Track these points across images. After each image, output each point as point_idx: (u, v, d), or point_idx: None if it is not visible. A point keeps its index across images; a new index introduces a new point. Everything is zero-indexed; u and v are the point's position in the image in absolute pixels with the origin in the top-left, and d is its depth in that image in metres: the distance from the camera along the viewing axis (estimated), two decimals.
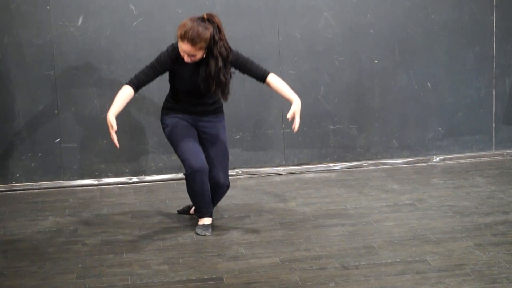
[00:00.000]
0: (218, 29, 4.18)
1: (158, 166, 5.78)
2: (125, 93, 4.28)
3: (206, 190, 4.43)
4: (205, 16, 4.18)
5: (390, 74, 5.97)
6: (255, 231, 4.48)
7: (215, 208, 4.83)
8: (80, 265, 3.99)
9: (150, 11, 5.59)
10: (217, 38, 4.16)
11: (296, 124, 4.29)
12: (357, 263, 3.87)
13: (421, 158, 6.10)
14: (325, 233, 4.39)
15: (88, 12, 5.53)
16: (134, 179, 5.76)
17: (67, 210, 5.09)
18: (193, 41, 4.10)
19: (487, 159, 6.13)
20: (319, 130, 5.94)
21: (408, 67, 5.98)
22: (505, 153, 6.18)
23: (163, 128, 4.49)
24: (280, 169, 5.93)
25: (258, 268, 3.86)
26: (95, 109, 5.63)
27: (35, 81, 5.55)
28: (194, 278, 3.76)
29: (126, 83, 4.31)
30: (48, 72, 5.55)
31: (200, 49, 4.15)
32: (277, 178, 5.80)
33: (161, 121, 4.51)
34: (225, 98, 4.34)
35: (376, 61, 5.92)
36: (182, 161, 4.38)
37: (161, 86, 5.37)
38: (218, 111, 4.51)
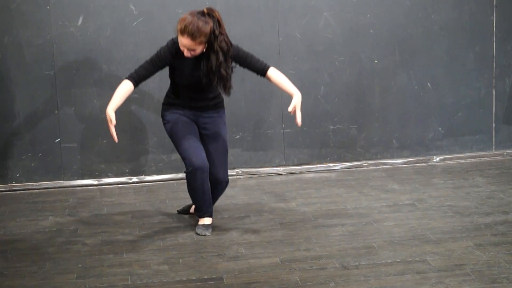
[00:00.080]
0: (218, 23, 4.17)
1: (158, 166, 5.78)
2: (125, 88, 4.28)
3: (206, 189, 4.42)
4: (205, 11, 4.17)
5: (390, 74, 5.97)
6: (255, 231, 4.48)
7: (215, 208, 4.83)
8: (80, 265, 3.99)
9: (150, 11, 5.59)
10: (217, 32, 4.15)
11: (298, 118, 4.27)
12: (357, 263, 3.87)
13: (421, 158, 6.10)
14: (325, 233, 4.39)
15: (88, 12, 5.53)
16: (134, 179, 5.76)
17: (67, 210, 5.09)
18: (193, 36, 4.09)
19: (487, 159, 6.13)
20: (319, 130, 5.94)
21: (408, 67, 5.98)
22: (505, 153, 6.18)
23: (164, 124, 4.48)
24: (280, 169, 5.93)
25: (258, 268, 3.86)
26: (95, 109, 5.63)
27: (35, 81, 5.55)
28: (194, 278, 3.76)
29: (126, 78, 4.30)
30: (48, 72, 5.55)
31: (200, 43, 4.14)
32: (277, 178, 5.80)
33: (162, 116, 4.50)
34: (228, 93, 4.34)
35: (376, 61, 5.92)
36: (183, 158, 4.38)
37: (161, 86, 5.38)
38: (218, 106, 4.50)
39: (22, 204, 5.28)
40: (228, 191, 5.36)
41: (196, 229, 4.48)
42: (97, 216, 4.92)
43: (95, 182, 5.71)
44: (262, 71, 4.38)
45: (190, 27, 4.08)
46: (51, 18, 5.49)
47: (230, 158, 5.38)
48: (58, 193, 5.54)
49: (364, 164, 6.01)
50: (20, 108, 5.57)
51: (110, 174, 5.74)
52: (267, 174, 5.89)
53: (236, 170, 5.85)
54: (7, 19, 5.45)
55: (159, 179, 5.77)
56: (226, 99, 4.58)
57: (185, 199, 4.98)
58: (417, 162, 6.08)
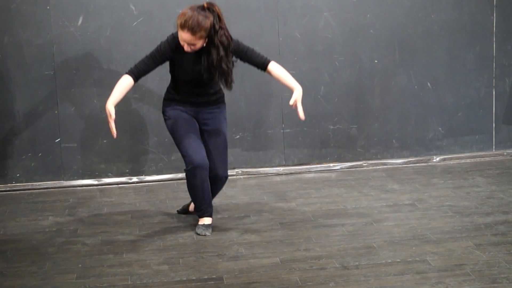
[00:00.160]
0: (219, 17, 4.17)
1: (158, 166, 5.77)
2: (125, 83, 4.27)
3: (206, 188, 4.42)
4: (205, 5, 4.16)
5: (390, 74, 5.97)
6: (255, 231, 4.48)
7: (215, 207, 4.84)
8: (80, 265, 3.99)
9: (150, 11, 5.59)
10: (217, 27, 4.14)
11: (300, 112, 4.27)
12: (357, 263, 3.87)
13: (421, 158, 6.10)
14: (325, 233, 4.39)
15: (88, 12, 5.53)
16: (134, 179, 5.76)
17: (67, 210, 5.09)
18: (193, 30, 4.09)
19: (487, 159, 6.13)
20: (319, 130, 5.94)
21: (408, 67, 5.98)
22: (505, 153, 6.18)
23: (165, 120, 4.47)
24: (280, 169, 5.93)
25: (258, 268, 3.86)
26: (95, 109, 5.63)
27: (35, 81, 5.55)
28: (194, 278, 3.76)
29: (126, 73, 4.29)
30: (48, 72, 5.55)
31: (200, 38, 4.14)
32: (277, 178, 5.80)
33: (163, 112, 4.49)
34: (229, 87, 4.34)
35: (376, 61, 5.92)
36: (183, 156, 4.38)
37: (161, 86, 5.38)
38: (219, 101, 4.50)
39: (22, 204, 5.28)
40: (228, 191, 5.37)
41: (196, 229, 4.48)
42: (97, 216, 4.92)
43: (95, 182, 5.71)
44: (262, 65, 4.38)
45: (190, 22, 4.07)
46: (51, 18, 5.49)
47: (230, 158, 5.38)
48: (58, 193, 5.54)
49: (364, 164, 6.01)
50: (20, 108, 5.57)
51: (110, 174, 5.74)
52: (267, 174, 5.89)
53: (236, 170, 5.85)
54: (7, 19, 5.45)
55: (159, 179, 5.77)
56: (226, 99, 4.58)
57: (185, 199, 4.98)
58: (417, 162, 6.08)
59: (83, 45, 5.55)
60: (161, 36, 5.43)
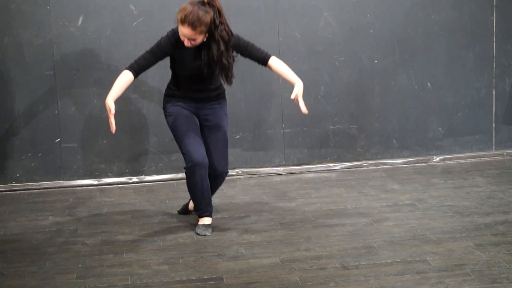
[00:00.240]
0: (219, 12, 4.16)
1: (158, 166, 5.77)
2: (125, 78, 4.27)
3: (205, 186, 4.42)
4: (205, 0, 4.16)
5: (390, 74, 5.97)
6: (255, 231, 4.48)
7: (214, 207, 4.84)
8: (80, 265, 3.99)
9: (150, 11, 5.59)
10: (217, 21, 4.14)
11: (302, 106, 4.27)
12: (357, 263, 3.87)
13: (421, 158, 6.10)
14: (325, 233, 4.39)
15: (88, 12, 5.53)
16: (134, 179, 5.76)
17: (67, 210, 5.09)
18: (193, 25, 4.08)
19: (487, 159, 6.13)
20: (319, 130, 5.94)
21: (408, 67, 5.98)
22: (505, 153, 6.18)
23: (166, 116, 4.46)
24: (280, 169, 5.93)
25: (258, 268, 3.86)
26: (95, 109, 5.63)
27: (35, 81, 5.55)
28: (194, 278, 3.76)
29: (126, 68, 4.29)
30: (48, 72, 5.55)
31: (201, 33, 4.13)
32: (277, 178, 5.80)
33: (164, 108, 4.48)
34: (230, 82, 4.33)
35: (376, 61, 5.92)
36: (183, 154, 4.38)
37: (161, 86, 5.38)
38: (220, 97, 4.49)
39: (22, 204, 5.28)
40: (228, 191, 5.37)
41: (196, 229, 4.48)
42: (97, 216, 4.92)
43: (95, 182, 5.71)
44: (263, 60, 4.38)
45: (190, 17, 4.07)
46: (51, 18, 5.49)
47: (230, 158, 5.38)
48: (58, 193, 5.54)
49: (364, 164, 6.01)
50: (20, 108, 5.57)
51: (110, 174, 5.74)
52: (267, 174, 5.89)
53: (236, 170, 5.85)
54: (7, 19, 5.45)
55: (159, 179, 5.77)
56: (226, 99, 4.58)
57: (185, 199, 4.98)
58: (417, 162, 6.08)
59: (83, 45, 5.55)
60: (161, 36, 5.44)
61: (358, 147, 6.02)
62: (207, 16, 4.09)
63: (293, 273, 3.77)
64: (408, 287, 3.55)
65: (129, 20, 5.57)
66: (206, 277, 3.77)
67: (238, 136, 5.83)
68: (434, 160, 6.10)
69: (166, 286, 3.68)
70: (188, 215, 4.83)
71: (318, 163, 5.99)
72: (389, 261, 3.90)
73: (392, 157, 6.07)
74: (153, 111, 5.66)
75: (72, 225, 4.73)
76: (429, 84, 6.02)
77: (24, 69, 5.52)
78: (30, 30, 5.48)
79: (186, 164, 4.36)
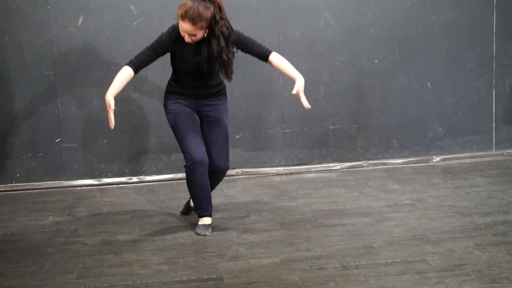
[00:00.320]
0: (219, 8, 4.15)
1: (158, 166, 5.77)
2: (125, 74, 4.26)
3: (205, 185, 4.42)
4: None
5: (390, 74, 5.97)
6: (255, 231, 4.48)
7: (214, 207, 4.84)
8: (80, 265, 3.99)
9: (150, 11, 5.59)
10: (218, 17, 4.13)
11: (304, 101, 4.27)
12: (357, 263, 3.87)
13: (421, 158, 6.10)
14: (325, 233, 4.39)
15: (88, 12, 5.53)
16: (134, 179, 5.76)
17: (67, 210, 5.09)
18: (193, 21, 4.08)
19: (487, 159, 6.13)
20: (319, 130, 5.94)
21: (408, 67, 5.98)
22: (505, 153, 6.18)
23: (166, 113, 4.46)
24: (280, 169, 5.93)
25: (258, 268, 3.86)
26: (95, 109, 5.63)
27: (35, 81, 5.55)
28: (194, 278, 3.76)
29: (126, 64, 4.28)
30: (48, 72, 5.55)
31: (201, 28, 4.13)
32: (277, 178, 5.80)
33: (164, 105, 4.47)
34: (230, 78, 4.33)
35: (376, 61, 5.92)
36: (183, 152, 4.38)
37: (161, 86, 5.38)
38: (221, 93, 4.49)
39: (22, 204, 5.28)
40: (228, 191, 5.37)
41: (196, 229, 4.48)
42: (97, 216, 4.92)
43: (95, 182, 5.71)
44: (264, 55, 4.37)
45: (190, 12, 4.06)
46: (51, 18, 5.49)
47: (230, 158, 5.37)
48: (58, 193, 5.54)
49: (364, 164, 6.01)
50: (20, 108, 5.57)
51: (110, 174, 5.74)
52: (267, 174, 5.89)
53: (236, 170, 5.85)
54: (7, 19, 5.45)
55: (159, 179, 5.77)
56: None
57: (185, 199, 4.98)
58: (417, 162, 6.08)
59: (83, 45, 5.55)
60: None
61: (358, 147, 6.02)
62: (208, 11, 4.09)
63: (293, 273, 3.77)
64: (408, 287, 3.55)
65: (129, 20, 5.57)
66: (206, 277, 3.77)
67: (238, 136, 5.83)
68: (434, 160, 6.10)
69: (166, 286, 3.68)
70: (189, 215, 4.83)
71: (318, 163, 5.99)
72: (389, 261, 3.90)
73: (392, 157, 6.07)
74: (153, 111, 5.66)
75: (72, 225, 4.73)
76: (429, 84, 6.02)
77: (24, 69, 5.52)
78: (30, 30, 5.48)
79: (186, 162, 4.36)
